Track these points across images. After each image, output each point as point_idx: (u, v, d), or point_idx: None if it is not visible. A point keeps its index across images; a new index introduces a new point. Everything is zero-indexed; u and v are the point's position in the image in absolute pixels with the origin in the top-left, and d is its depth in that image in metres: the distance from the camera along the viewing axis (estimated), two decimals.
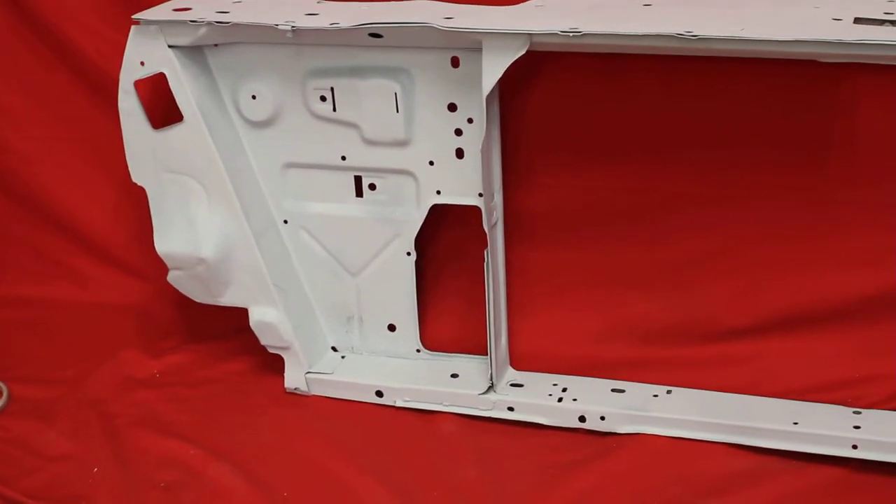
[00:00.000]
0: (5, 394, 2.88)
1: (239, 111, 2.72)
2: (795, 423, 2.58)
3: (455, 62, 2.54)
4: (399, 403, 2.83)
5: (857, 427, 2.55)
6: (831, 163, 2.58)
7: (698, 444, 2.63)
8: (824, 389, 2.70)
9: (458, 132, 2.62)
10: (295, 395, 2.92)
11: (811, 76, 2.48)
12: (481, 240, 2.62)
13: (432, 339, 2.94)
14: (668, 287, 2.78)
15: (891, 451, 2.50)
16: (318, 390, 2.91)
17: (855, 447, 2.52)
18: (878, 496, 2.46)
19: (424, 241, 2.81)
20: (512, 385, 2.81)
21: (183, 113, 2.63)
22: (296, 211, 2.83)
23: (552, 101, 2.68)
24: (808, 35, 2.13)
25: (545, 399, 2.75)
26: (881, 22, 2.12)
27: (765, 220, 2.66)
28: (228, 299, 2.85)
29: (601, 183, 2.73)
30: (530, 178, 2.75)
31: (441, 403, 2.79)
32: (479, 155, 2.54)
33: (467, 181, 2.64)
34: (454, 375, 2.85)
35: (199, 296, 2.86)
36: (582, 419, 2.70)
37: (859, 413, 2.62)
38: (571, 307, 2.86)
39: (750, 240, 2.69)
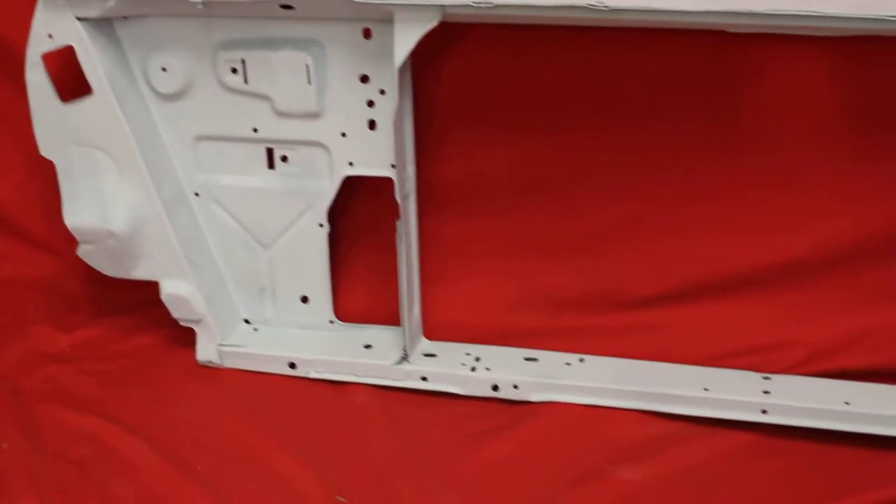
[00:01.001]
0: None
1: (149, 84, 2.75)
2: (706, 389, 2.68)
3: (367, 34, 2.60)
4: (312, 375, 2.89)
5: (766, 392, 2.66)
6: (741, 131, 2.65)
7: (611, 412, 2.72)
8: (735, 355, 2.80)
9: (371, 104, 2.68)
10: (207, 369, 2.96)
11: (721, 46, 2.56)
12: (394, 211, 2.67)
13: (345, 311, 3.00)
14: (581, 255, 2.85)
15: (799, 416, 2.61)
16: (230, 363, 2.96)
17: (765, 412, 2.63)
18: (787, 459, 2.56)
19: (337, 212, 2.87)
20: (425, 355, 2.88)
21: (92, 86, 2.65)
22: (207, 183, 2.87)
23: (465, 71, 2.72)
24: (718, 5, 2.21)
25: (458, 368, 2.81)
26: None
27: (676, 187, 2.73)
28: (139, 273, 2.89)
29: (513, 153, 2.78)
30: (443, 149, 2.80)
31: (354, 374, 2.85)
32: (392, 126, 2.59)
33: (380, 152, 2.70)
34: (367, 346, 2.91)
35: (109, 269, 2.90)
36: (495, 388, 2.78)
37: (769, 378, 2.73)
38: (484, 277, 2.92)
39: (662, 208, 2.76)
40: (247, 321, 3.05)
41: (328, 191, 2.80)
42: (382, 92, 2.65)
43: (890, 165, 2.57)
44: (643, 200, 2.77)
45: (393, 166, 2.67)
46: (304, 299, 2.97)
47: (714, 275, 2.80)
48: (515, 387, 2.76)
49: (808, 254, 2.72)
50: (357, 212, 2.92)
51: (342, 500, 2.46)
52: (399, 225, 2.68)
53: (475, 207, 2.86)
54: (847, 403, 2.60)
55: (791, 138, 2.64)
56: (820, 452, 2.59)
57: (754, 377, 2.74)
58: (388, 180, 2.69)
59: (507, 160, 2.80)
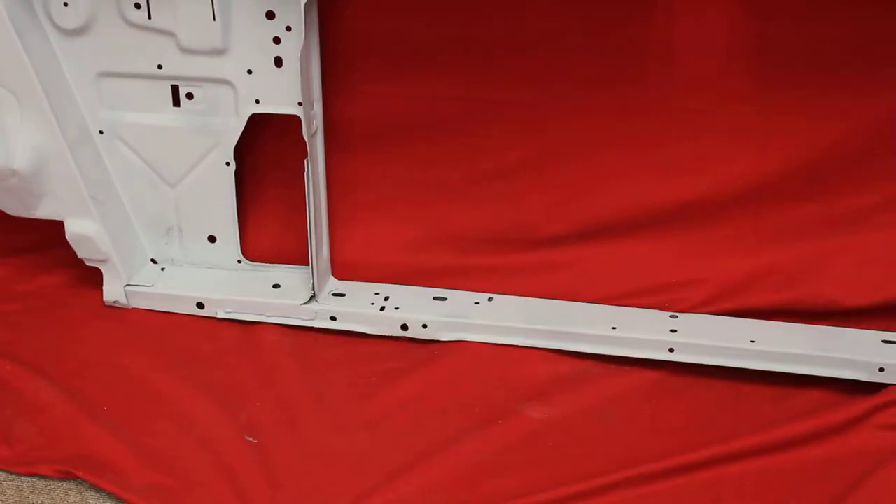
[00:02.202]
0: None
1: (51, 18, 2.75)
2: (614, 328, 2.79)
3: None
4: (220, 315, 2.96)
5: (673, 331, 2.77)
6: (647, 71, 2.72)
7: (519, 350, 2.82)
8: (642, 294, 2.89)
9: (277, 40, 2.71)
10: (114, 309, 3.02)
11: None
12: (302, 149, 2.73)
13: (253, 250, 3.05)
14: (489, 195, 2.91)
15: (705, 354, 2.73)
16: (137, 303, 3.01)
17: (671, 350, 2.75)
18: (692, 397, 2.69)
19: (244, 151, 2.90)
20: (334, 294, 2.95)
21: None
22: (112, 121, 2.89)
23: (373, 8, 2.76)
24: None
25: (367, 308, 2.89)
26: None
27: (581, 128, 2.80)
28: (43, 212, 2.91)
29: (422, 91, 2.83)
30: (351, 87, 2.84)
31: (263, 314, 2.93)
32: (298, 63, 2.63)
33: (286, 90, 2.74)
34: (276, 286, 2.98)
35: (12, 209, 2.92)
36: (404, 327, 2.87)
37: (676, 317, 2.85)
38: (393, 216, 2.98)
39: (568, 148, 2.83)
40: (153, 261, 3.09)
41: (235, 129, 2.82)
42: (289, 28, 2.68)
43: (789, 104, 2.67)
44: (549, 141, 2.83)
45: (300, 104, 2.70)
46: (212, 239, 3.02)
47: (621, 214, 2.87)
48: (424, 326, 2.85)
49: (711, 193, 2.80)
50: (265, 150, 2.96)
51: (251, 439, 2.53)
52: (306, 163, 2.72)
53: (383, 146, 2.91)
54: (752, 342, 2.73)
55: (693, 79, 2.72)
56: (725, 390, 2.71)
57: (661, 316, 2.85)
58: (296, 118, 2.72)
59: (414, 99, 2.84)
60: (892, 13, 2.50)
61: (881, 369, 2.64)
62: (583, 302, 2.89)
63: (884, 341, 2.73)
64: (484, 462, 2.46)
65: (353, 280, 3.00)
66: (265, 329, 2.90)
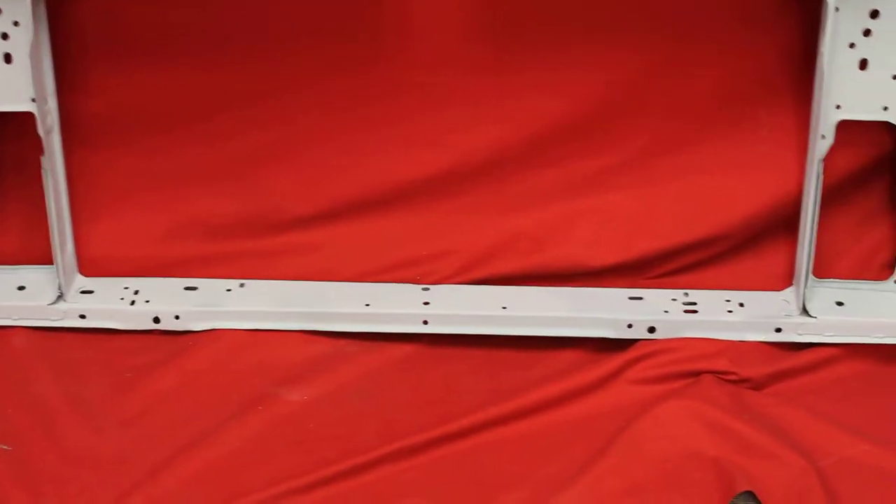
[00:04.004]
0: None
1: None
2: (368, 305, 2.91)
3: None
4: None
5: (426, 303, 2.91)
6: (382, 47, 2.87)
7: (275, 334, 2.92)
8: (394, 269, 3.03)
9: (5, 36, 2.72)
10: None
11: None
12: (40, 146, 2.77)
13: None
14: (234, 181, 3.01)
15: (459, 323, 2.89)
16: None
17: (426, 322, 2.89)
18: (450, 367, 2.84)
19: None
20: (82, 292, 2.98)
21: None
22: None
23: (102, 0, 2.79)
24: None
25: (117, 303, 2.95)
26: None
27: (323, 107, 2.92)
28: None
29: (160, 81, 2.90)
30: (87, 81, 2.89)
31: (10, 318, 2.93)
32: (29, 59, 2.67)
33: (18, 87, 2.75)
34: (21, 288, 2.98)
35: None
36: (156, 320, 2.94)
37: (428, 289, 2.99)
38: (138, 208, 3.04)
39: (312, 128, 2.95)
40: None
41: None
42: (16, 24, 2.70)
43: (525, 75, 2.88)
44: (291, 122, 2.94)
45: (33, 100, 2.74)
46: None
47: (368, 192, 3.01)
48: (177, 317, 2.93)
49: (455, 165, 2.96)
50: (2, 150, 2.97)
51: (6, 447, 2.55)
52: (44, 161, 2.77)
53: (125, 138, 2.97)
54: (504, 308, 2.90)
55: (434, 53, 2.85)
56: (481, 358, 2.88)
57: (414, 289, 2.99)
58: (30, 115, 2.75)
59: (153, 88, 2.91)
60: None
61: (629, 325, 2.86)
62: (336, 281, 3.01)
63: (630, 298, 2.95)
64: (246, 449, 2.55)
65: (102, 276, 3.05)
66: (13, 333, 2.91)
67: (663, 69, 2.83)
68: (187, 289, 3.01)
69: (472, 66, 2.84)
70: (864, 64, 2.68)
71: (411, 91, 2.90)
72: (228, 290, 3.01)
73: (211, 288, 3.02)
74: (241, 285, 3.03)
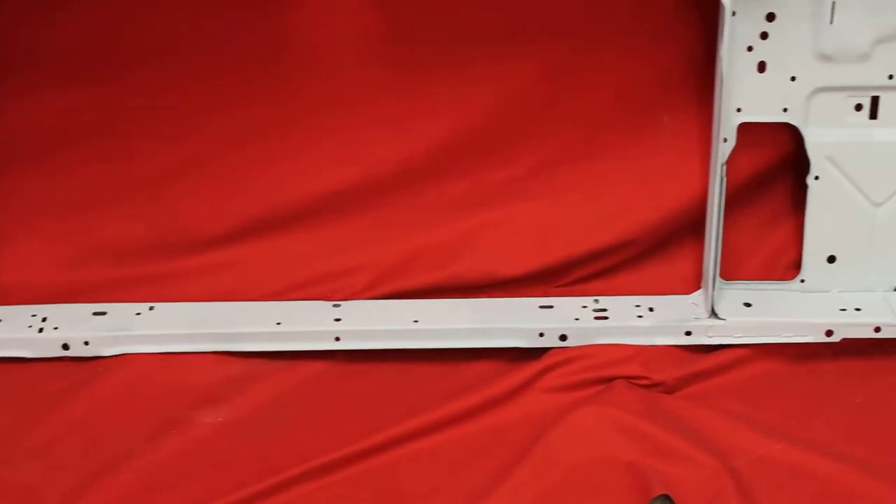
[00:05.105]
0: None
1: None
2: (279, 324, 2.93)
3: None
4: None
5: (338, 319, 2.94)
6: (285, 64, 2.91)
7: (186, 357, 2.92)
8: (304, 287, 3.06)
9: None
10: None
11: None
12: None
13: None
14: (141, 203, 3.01)
15: (370, 339, 2.92)
16: None
17: (338, 339, 2.92)
18: (363, 382, 2.88)
19: None
20: None
21: None
22: None
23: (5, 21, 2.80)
24: None
25: (25, 332, 2.94)
26: None
27: (228, 125, 2.95)
28: None
29: (60, 103, 2.92)
30: None
31: None
32: None
33: None
34: None
35: None
36: (66, 347, 2.93)
37: (339, 306, 3.02)
38: (43, 234, 3.03)
39: (217, 148, 2.97)
40: None
41: None
42: None
43: (430, 87, 2.93)
44: (197, 141, 2.96)
45: None
46: None
47: (276, 209, 3.03)
48: (86, 343, 2.92)
49: (362, 179, 3.00)
50: None
51: None
52: None
53: (27, 162, 2.97)
54: (416, 321, 2.93)
55: (335, 65, 2.90)
56: (395, 372, 2.90)
57: (325, 306, 3.01)
58: None
59: (54, 111, 2.92)
60: None
61: (541, 334, 2.90)
62: (247, 301, 3.03)
63: (541, 307, 2.99)
64: (160, 474, 2.55)
65: (8, 304, 3.03)
66: None
67: (565, 78, 2.87)
68: (96, 314, 3.01)
69: (375, 80, 2.89)
70: (762, 66, 2.73)
71: (316, 106, 2.94)
72: (138, 314, 3.01)
73: (120, 312, 3.01)
74: (151, 308, 3.03)
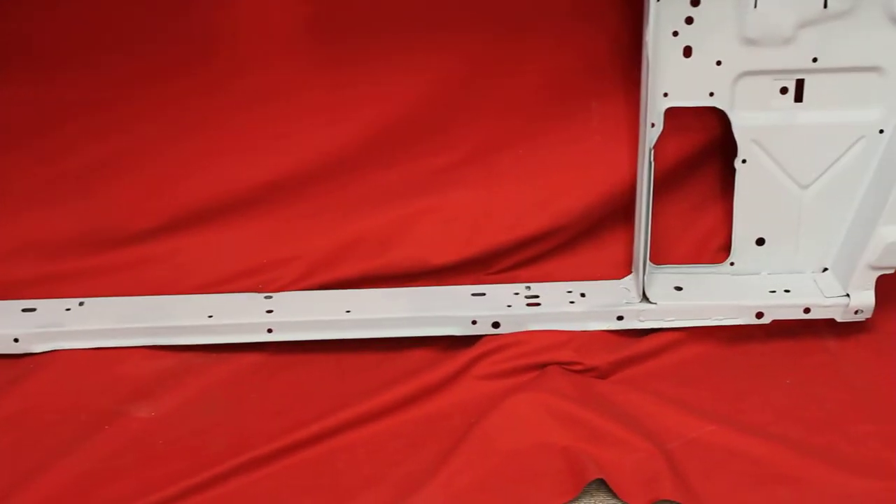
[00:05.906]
0: None
1: None
2: (210, 317, 2.92)
3: None
4: None
5: (269, 311, 2.94)
6: (218, 54, 2.91)
7: (119, 351, 2.92)
8: (236, 279, 3.06)
9: None
10: None
11: None
12: None
13: None
14: (71, 197, 2.99)
15: (303, 330, 2.92)
16: None
17: (270, 331, 2.92)
18: (297, 374, 2.89)
19: None
20: None
21: None
22: None
23: None
24: None
25: None
26: None
27: (162, 117, 2.94)
28: None
29: None
30: None
31: None
32: None
33: None
34: None
35: None
36: None
37: (271, 297, 3.02)
38: None
39: (149, 140, 2.96)
40: None
41: None
42: None
43: (360, 77, 2.94)
44: (129, 133, 2.95)
45: None
46: None
47: (208, 201, 3.02)
48: (16, 340, 2.90)
49: (293, 170, 3.00)
50: None
51: None
52: None
53: None
54: (348, 311, 2.93)
55: (265, 57, 2.89)
56: (329, 363, 2.92)
57: (257, 298, 3.01)
58: None
59: None
60: None
61: (474, 322, 2.92)
62: (178, 294, 3.01)
63: (473, 294, 3.01)
64: (95, 470, 2.54)
65: None
66: None
67: (493, 66, 2.89)
68: (25, 310, 2.98)
69: (305, 72, 2.90)
70: (688, 51, 2.76)
71: (245, 97, 2.93)
72: (68, 310, 2.97)
73: (49, 308, 2.98)
74: (81, 304, 3.00)
